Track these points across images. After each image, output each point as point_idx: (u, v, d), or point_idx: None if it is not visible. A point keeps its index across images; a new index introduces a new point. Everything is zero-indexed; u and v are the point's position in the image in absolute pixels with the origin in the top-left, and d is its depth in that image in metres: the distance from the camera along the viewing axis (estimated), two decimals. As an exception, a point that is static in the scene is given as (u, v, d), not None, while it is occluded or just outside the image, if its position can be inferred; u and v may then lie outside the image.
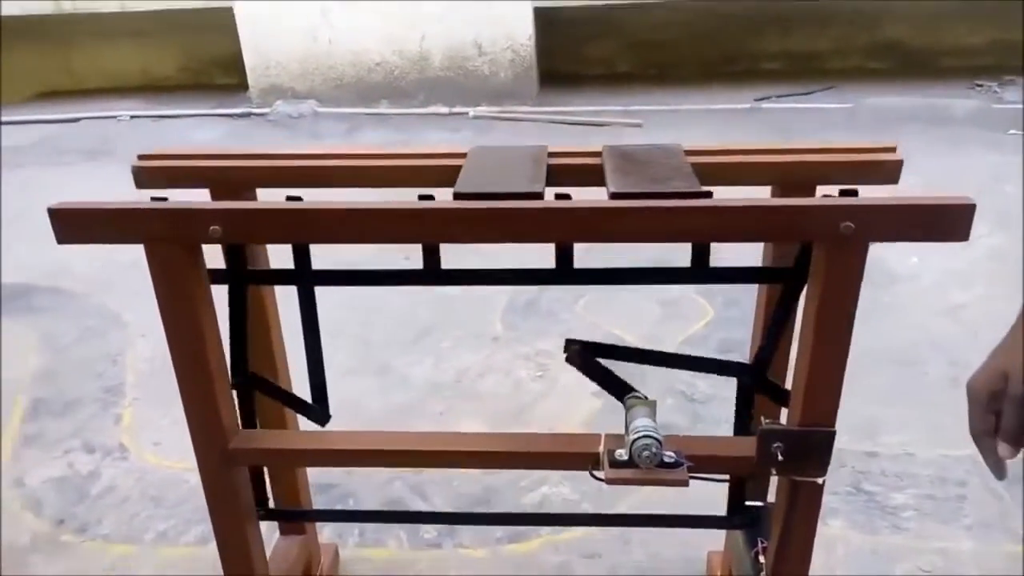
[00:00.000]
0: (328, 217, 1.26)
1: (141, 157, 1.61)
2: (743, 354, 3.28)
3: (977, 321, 3.39)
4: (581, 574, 2.21)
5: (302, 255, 1.50)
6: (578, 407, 2.93)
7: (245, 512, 1.60)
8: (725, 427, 2.86)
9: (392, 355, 3.27)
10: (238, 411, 1.63)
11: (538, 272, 1.52)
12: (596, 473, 1.45)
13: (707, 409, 2.89)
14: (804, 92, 7.06)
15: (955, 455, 2.64)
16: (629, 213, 1.24)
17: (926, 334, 3.33)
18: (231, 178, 1.58)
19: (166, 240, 1.31)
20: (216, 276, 1.48)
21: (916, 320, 3.47)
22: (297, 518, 1.98)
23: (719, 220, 1.24)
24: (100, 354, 3.38)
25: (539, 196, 1.30)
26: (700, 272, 1.48)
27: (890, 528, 2.35)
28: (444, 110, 7.43)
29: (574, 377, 3.15)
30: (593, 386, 3.18)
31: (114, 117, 7.54)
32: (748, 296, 3.69)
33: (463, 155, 1.54)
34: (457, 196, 1.30)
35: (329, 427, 1.68)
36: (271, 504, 1.83)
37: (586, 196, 1.28)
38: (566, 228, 1.25)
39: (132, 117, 7.56)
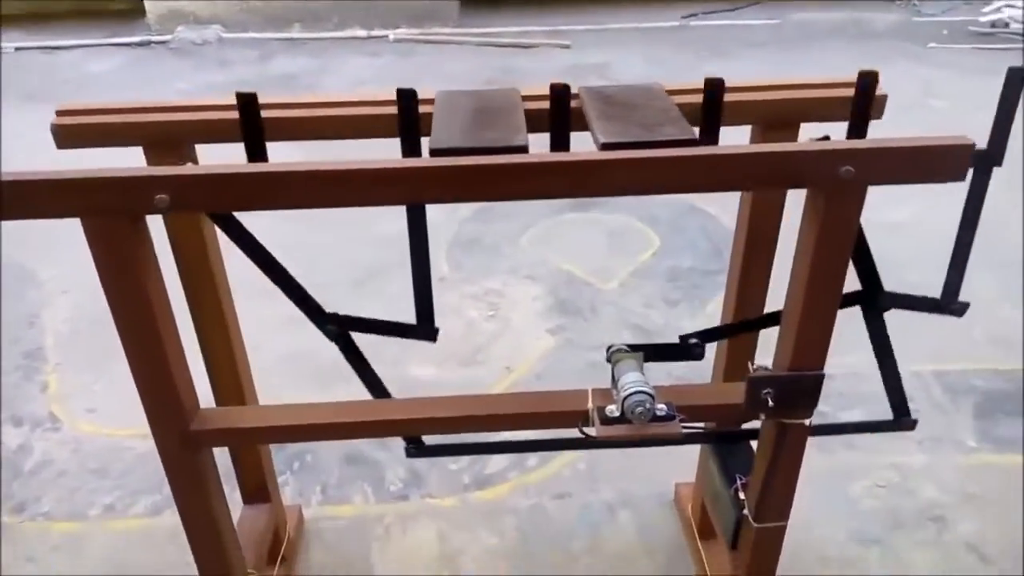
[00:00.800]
0: (294, 181, 1.13)
1: (60, 113, 1.42)
2: (692, 282, 3.31)
3: (915, 238, 3.48)
4: (553, 515, 2.20)
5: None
6: (533, 345, 2.89)
7: (211, 490, 1.50)
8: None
9: (338, 300, 3.10)
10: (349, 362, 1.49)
11: None
12: (587, 430, 1.40)
13: (663, 340, 2.89)
14: (731, 8, 7.00)
15: (901, 372, 2.72)
16: (623, 165, 1.15)
17: (864, 253, 3.40)
18: (166, 133, 1.41)
19: (107, 212, 1.16)
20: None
21: (854, 239, 3.53)
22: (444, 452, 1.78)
23: (716, 169, 1.18)
24: (14, 316, 3.13)
25: (524, 150, 1.20)
26: None
27: (844, 446, 2.42)
28: (362, 33, 7.06)
29: (525, 315, 3.13)
30: (546, 323, 3.17)
31: (-4, 50, 6.89)
32: (693, 222, 3.71)
33: (429, 101, 1.40)
34: (434, 152, 1.19)
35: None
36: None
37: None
38: (556, 184, 1.16)
39: (17, 49, 6.92)
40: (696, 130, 1.33)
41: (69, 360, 2.88)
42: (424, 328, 1.52)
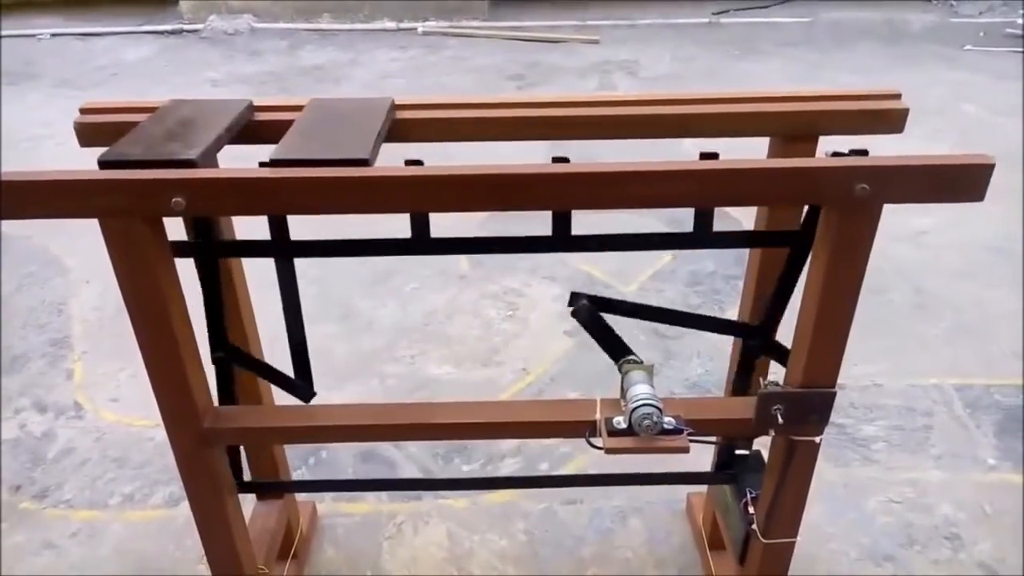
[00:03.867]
0: (305, 186, 1.14)
1: (83, 111, 1.45)
2: (712, 286, 3.29)
3: (939, 246, 3.42)
4: (564, 520, 2.20)
5: (280, 224, 1.38)
6: (550, 347, 2.89)
7: (224, 488, 1.52)
8: (696, 362, 2.88)
9: (355, 298, 3.16)
10: (216, 386, 1.53)
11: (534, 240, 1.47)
12: (594, 441, 1.41)
13: (679, 345, 2.88)
14: (762, 5, 6.91)
15: (921, 384, 2.69)
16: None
17: (889, 261, 3.35)
18: (187, 134, 1.43)
19: (124, 213, 1.17)
20: (182, 249, 1.36)
21: (878, 246, 3.48)
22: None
23: (719, 184, 1.17)
24: (43, 303, 3.19)
25: (193, 164, 1.20)
26: (703, 238, 1.42)
27: (861, 460, 2.39)
28: (391, 25, 7.08)
29: (544, 316, 3.12)
30: (564, 325, 3.16)
31: (34, 35, 7.01)
32: (716, 226, 3.67)
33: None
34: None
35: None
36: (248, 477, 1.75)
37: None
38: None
39: (53, 35, 7.04)
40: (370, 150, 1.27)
41: (95, 349, 2.93)
42: (301, 386, 1.56)
